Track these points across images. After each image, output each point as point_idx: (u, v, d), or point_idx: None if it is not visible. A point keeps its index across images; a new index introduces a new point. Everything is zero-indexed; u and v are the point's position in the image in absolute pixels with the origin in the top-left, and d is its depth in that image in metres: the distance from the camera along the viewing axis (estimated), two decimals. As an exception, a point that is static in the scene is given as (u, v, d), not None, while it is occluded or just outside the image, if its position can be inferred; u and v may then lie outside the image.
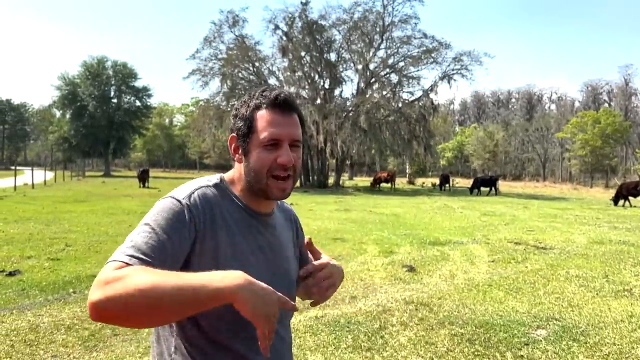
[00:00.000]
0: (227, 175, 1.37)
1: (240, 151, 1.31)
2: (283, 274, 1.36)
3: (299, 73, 36.32)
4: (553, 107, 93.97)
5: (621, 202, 21.65)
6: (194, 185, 1.28)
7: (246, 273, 1.09)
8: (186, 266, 1.16)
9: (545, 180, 60.41)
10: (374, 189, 33.80)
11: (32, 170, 28.41)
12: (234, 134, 1.32)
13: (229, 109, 36.25)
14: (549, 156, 70.06)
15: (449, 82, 35.54)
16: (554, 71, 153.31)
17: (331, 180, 36.93)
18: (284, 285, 1.30)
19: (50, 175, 36.11)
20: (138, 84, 58.57)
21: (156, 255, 1.09)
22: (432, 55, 35.57)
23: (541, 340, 4.50)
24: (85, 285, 6.06)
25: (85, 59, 57.24)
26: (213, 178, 1.35)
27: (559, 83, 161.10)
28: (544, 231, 12.11)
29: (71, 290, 5.88)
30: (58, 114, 62.14)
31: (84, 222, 11.90)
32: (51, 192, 23.04)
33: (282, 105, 1.27)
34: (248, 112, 1.28)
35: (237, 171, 1.34)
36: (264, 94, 1.28)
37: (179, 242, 1.15)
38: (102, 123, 54.24)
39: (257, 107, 1.28)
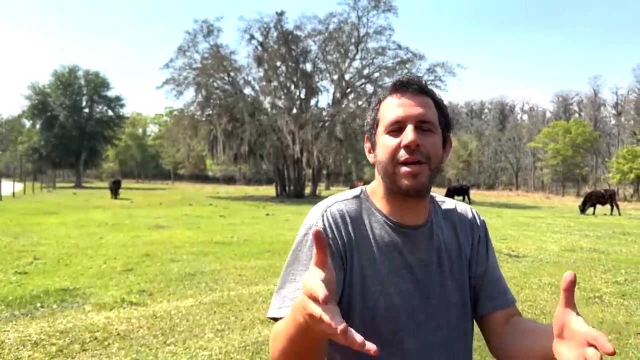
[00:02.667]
0: (369, 187, 1.25)
1: (370, 148, 1.22)
2: (440, 295, 1.19)
3: (275, 83, 36.31)
4: (525, 117, 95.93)
5: (590, 210, 22.11)
6: (328, 202, 1.20)
7: (388, 295, 1.11)
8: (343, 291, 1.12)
9: (518, 189, 61.46)
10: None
11: (0, 181, 27.68)
12: (367, 134, 1.24)
13: (203, 119, 36.04)
14: (522, 165, 71.37)
15: (423, 93, 35.92)
16: (526, 82, 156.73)
17: (308, 190, 36.91)
18: (442, 307, 1.18)
19: (19, 186, 35.28)
20: (110, 93, 57.82)
21: None
22: (407, 66, 35.95)
23: (515, 348, 4.52)
24: (53, 300, 5.90)
25: (56, 68, 56.41)
26: (353, 191, 1.25)
27: (531, 94, 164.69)
28: (517, 239, 12.27)
29: (39, 304, 5.71)
30: (28, 124, 60.95)
31: (54, 235, 11.63)
32: (20, 204, 22.51)
33: (405, 86, 1.15)
34: (375, 104, 1.21)
35: (375, 177, 1.23)
36: (389, 85, 1.19)
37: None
38: (74, 133, 53.34)
39: (383, 97, 1.19)
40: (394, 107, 1.13)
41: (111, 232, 12.42)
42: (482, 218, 1.35)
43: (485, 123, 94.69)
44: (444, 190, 35.01)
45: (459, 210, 1.32)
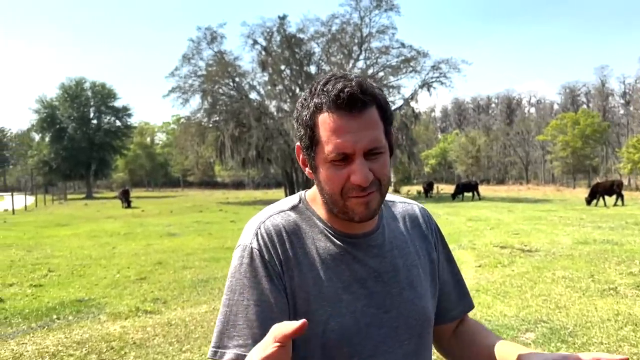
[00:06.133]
0: (309, 193, 1.11)
1: (308, 165, 1.04)
2: (402, 307, 1.05)
3: (280, 87, 36.41)
4: (532, 110, 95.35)
5: (595, 201, 21.79)
6: (262, 216, 1.07)
7: (338, 316, 0.99)
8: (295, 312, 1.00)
9: (528, 183, 61.05)
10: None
11: (12, 195, 27.94)
12: (298, 143, 1.04)
13: (210, 125, 36.20)
14: (531, 159, 70.94)
15: (428, 90, 35.88)
16: (532, 75, 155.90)
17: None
18: (402, 320, 1.05)
19: (31, 200, 35.63)
20: (118, 103, 58.41)
21: (250, 335, 0.94)
22: (411, 64, 35.91)
23: (530, 344, 4.51)
24: (69, 311, 5.95)
25: (63, 81, 56.94)
26: (291, 200, 1.12)
27: (537, 86, 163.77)
28: (529, 234, 12.20)
29: (55, 316, 5.77)
30: (37, 137, 61.45)
31: (67, 246, 11.73)
32: (32, 217, 22.70)
33: (349, 104, 0.94)
34: (308, 115, 0.98)
35: (316, 186, 1.06)
36: (325, 89, 0.96)
37: (268, 302, 0.97)
38: (83, 145, 53.80)
39: (318, 109, 0.96)
40: (338, 135, 0.94)
41: (123, 241, 12.50)
42: (434, 219, 1.26)
43: (492, 118, 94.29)
44: (454, 187, 34.94)
45: (411, 211, 1.21)
